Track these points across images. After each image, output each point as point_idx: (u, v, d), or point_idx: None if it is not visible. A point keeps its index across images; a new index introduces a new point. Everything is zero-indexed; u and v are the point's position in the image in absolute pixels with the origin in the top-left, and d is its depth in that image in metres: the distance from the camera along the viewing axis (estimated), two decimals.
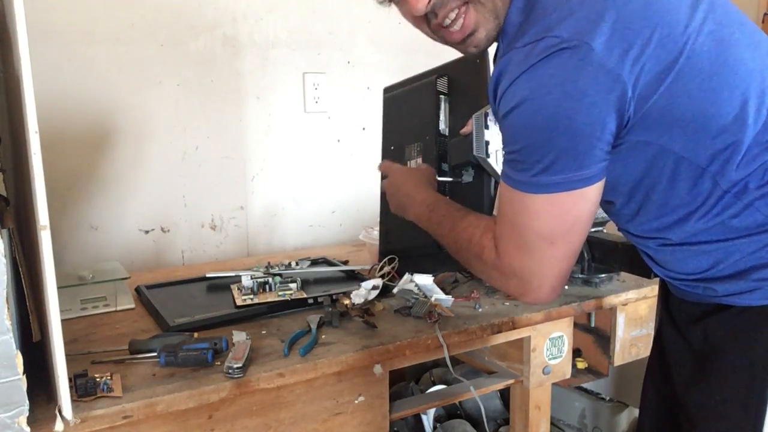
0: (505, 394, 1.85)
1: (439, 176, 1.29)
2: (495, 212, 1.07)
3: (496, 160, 1.14)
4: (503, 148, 0.89)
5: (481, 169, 1.22)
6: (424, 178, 1.24)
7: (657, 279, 1.10)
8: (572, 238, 0.88)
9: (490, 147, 1.13)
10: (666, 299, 1.03)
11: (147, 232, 1.78)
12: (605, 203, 0.97)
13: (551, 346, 1.41)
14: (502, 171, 0.90)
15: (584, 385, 2.01)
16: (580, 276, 1.45)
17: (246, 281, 1.39)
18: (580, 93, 0.78)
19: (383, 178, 1.35)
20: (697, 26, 0.81)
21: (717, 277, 0.89)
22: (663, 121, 0.82)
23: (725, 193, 0.84)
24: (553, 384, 1.48)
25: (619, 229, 1.04)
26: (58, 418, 0.88)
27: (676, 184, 0.86)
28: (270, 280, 1.39)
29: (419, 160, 1.40)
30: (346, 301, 1.30)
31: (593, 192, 0.85)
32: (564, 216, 0.86)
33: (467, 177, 1.28)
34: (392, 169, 1.31)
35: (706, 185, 0.84)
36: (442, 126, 1.36)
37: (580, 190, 0.84)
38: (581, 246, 0.91)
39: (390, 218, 1.47)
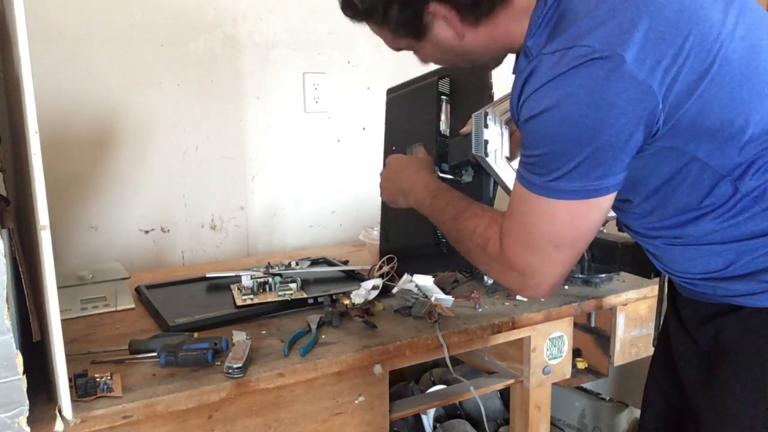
0: (505, 394, 1.85)
1: (440, 173, 1.29)
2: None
3: (494, 160, 1.14)
4: (522, 151, 0.87)
5: (481, 169, 1.22)
6: (426, 164, 1.24)
7: (657, 279, 1.10)
8: (579, 243, 0.89)
9: (488, 146, 1.13)
10: (673, 299, 1.02)
11: (147, 232, 1.78)
12: (620, 201, 0.95)
13: (551, 346, 1.41)
14: (518, 171, 0.89)
15: (584, 385, 2.01)
16: (580, 276, 1.45)
17: (246, 281, 1.39)
18: (608, 104, 0.77)
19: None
20: (729, 32, 0.80)
21: (728, 277, 0.88)
22: (692, 129, 0.80)
23: (744, 197, 0.83)
24: (553, 384, 1.47)
25: (623, 225, 1.03)
26: (58, 418, 0.88)
27: (695, 188, 0.85)
28: (270, 280, 1.39)
29: None
30: (346, 301, 1.30)
31: (607, 201, 0.85)
32: (575, 222, 0.86)
33: (467, 177, 1.28)
34: (391, 157, 1.30)
35: (725, 189, 0.83)
36: (443, 126, 1.36)
37: (595, 199, 0.83)
38: (585, 248, 0.91)
39: (391, 217, 1.47)
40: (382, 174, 1.29)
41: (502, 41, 0.92)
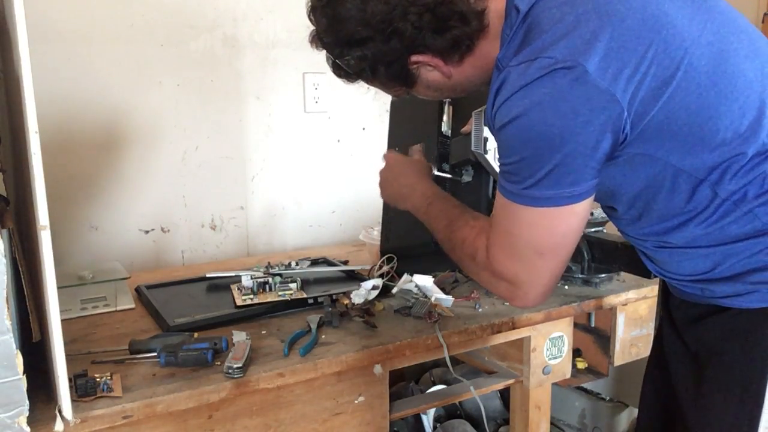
0: (505, 394, 1.85)
1: (436, 172, 1.29)
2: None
3: (493, 157, 1.14)
4: (499, 160, 0.91)
5: (481, 169, 1.22)
6: (424, 169, 1.25)
7: (657, 279, 1.11)
8: (561, 250, 0.90)
9: (488, 143, 1.14)
10: (666, 299, 1.03)
11: (147, 232, 1.78)
12: (607, 209, 0.98)
13: (551, 346, 1.41)
14: (498, 180, 0.92)
15: (584, 385, 2.01)
16: (580, 276, 1.45)
17: (246, 281, 1.39)
18: (573, 112, 0.79)
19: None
20: (694, 39, 0.81)
21: (714, 279, 0.89)
22: (661, 134, 0.82)
23: (724, 201, 0.84)
24: (553, 384, 1.48)
25: (617, 229, 1.05)
26: (58, 418, 0.88)
27: (675, 194, 0.86)
28: (270, 280, 1.39)
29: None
30: (346, 301, 1.30)
31: (583, 207, 0.86)
32: (553, 229, 0.88)
33: (467, 177, 1.29)
34: (390, 156, 1.31)
35: (704, 194, 0.85)
36: (445, 128, 1.36)
37: (570, 206, 0.85)
38: (570, 257, 0.92)
39: (392, 217, 1.47)
40: (381, 173, 1.29)
41: (485, 65, 0.94)
